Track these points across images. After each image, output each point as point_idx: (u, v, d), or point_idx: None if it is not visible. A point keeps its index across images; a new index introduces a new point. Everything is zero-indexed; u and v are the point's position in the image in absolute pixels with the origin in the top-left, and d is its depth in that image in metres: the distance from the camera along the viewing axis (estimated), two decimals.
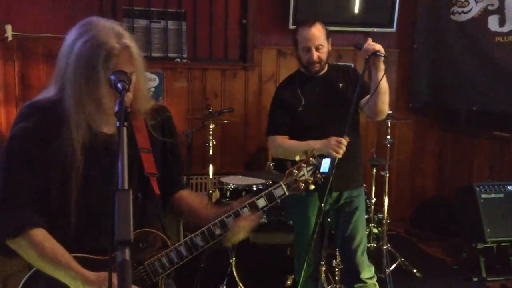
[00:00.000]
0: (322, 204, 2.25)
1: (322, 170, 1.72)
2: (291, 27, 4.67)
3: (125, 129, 1.16)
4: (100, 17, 1.54)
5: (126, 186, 1.06)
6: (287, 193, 1.68)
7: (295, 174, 1.70)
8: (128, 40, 1.48)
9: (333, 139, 2.41)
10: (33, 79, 4.41)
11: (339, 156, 2.38)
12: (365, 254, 2.80)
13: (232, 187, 3.70)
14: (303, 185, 1.70)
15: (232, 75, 4.92)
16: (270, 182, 3.70)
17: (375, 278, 2.83)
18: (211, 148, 4.00)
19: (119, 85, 1.30)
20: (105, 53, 1.42)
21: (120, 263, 0.91)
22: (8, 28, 4.24)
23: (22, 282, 1.54)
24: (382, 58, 2.42)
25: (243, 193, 3.70)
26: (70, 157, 1.49)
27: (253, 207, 1.65)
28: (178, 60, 4.82)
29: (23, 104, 1.58)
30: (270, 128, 2.82)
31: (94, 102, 1.46)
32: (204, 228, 1.60)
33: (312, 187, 1.71)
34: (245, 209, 1.64)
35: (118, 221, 0.97)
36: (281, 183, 1.68)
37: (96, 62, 1.42)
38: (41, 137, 1.49)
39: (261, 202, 1.66)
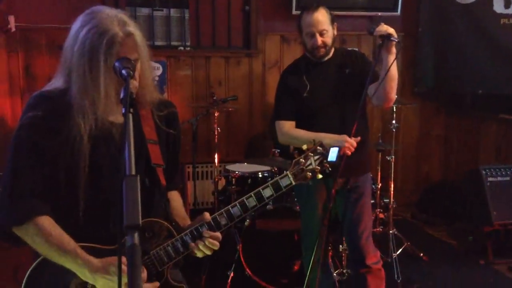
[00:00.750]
0: (333, 190, 2.24)
1: (329, 159, 1.70)
2: (295, 12, 4.63)
3: (130, 116, 1.16)
4: (104, 6, 1.55)
5: (133, 172, 1.06)
6: (293, 183, 1.67)
7: (302, 163, 1.68)
8: (132, 27, 1.48)
9: (347, 140, 2.40)
10: (37, 70, 4.42)
11: (348, 154, 2.39)
12: (370, 239, 2.80)
13: (237, 174, 3.70)
14: (310, 174, 1.68)
15: (236, 62, 4.91)
16: (276, 168, 3.70)
17: (381, 263, 2.83)
18: (216, 136, 4.00)
19: (123, 71, 1.30)
20: (107, 40, 1.43)
21: (130, 248, 0.92)
22: (12, 19, 4.23)
23: (27, 273, 1.56)
24: (394, 42, 2.39)
25: (249, 180, 3.70)
26: (78, 145, 1.49)
27: (259, 196, 1.64)
28: (182, 48, 4.81)
29: (28, 95, 1.59)
30: (276, 113, 2.81)
31: (98, 90, 1.47)
32: (211, 218, 1.61)
33: (320, 176, 1.70)
34: (251, 199, 1.64)
35: (127, 206, 0.97)
36: (288, 172, 1.67)
37: (99, 49, 1.43)
38: (49, 126, 1.50)
39: (267, 192, 1.65)
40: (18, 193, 1.49)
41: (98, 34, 1.43)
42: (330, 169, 1.73)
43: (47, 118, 1.50)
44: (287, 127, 2.71)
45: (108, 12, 1.50)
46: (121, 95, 1.21)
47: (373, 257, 2.79)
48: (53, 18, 4.32)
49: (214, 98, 4.03)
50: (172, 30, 4.80)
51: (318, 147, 1.70)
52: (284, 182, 1.66)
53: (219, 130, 4.04)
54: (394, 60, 2.42)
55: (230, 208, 1.63)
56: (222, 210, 1.63)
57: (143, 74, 1.56)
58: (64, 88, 1.53)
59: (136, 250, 0.91)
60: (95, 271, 1.47)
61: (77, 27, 1.49)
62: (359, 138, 2.45)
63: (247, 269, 3.35)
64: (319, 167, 1.69)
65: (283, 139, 2.76)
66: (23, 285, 1.55)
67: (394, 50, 2.42)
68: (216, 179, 4.02)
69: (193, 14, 4.83)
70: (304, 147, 1.72)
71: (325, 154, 1.70)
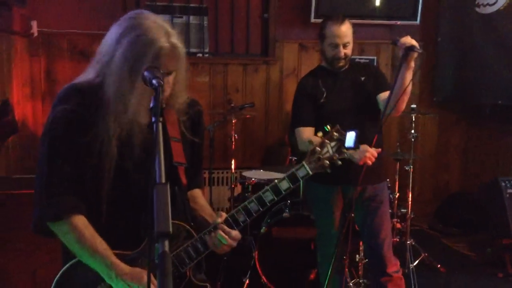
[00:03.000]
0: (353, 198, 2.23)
1: (347, 145, 1.62)
2: (313, 20, 4.65)
3: (160, 125, 1.17)
4: (148, 12, 1.53)
5: (163, 180, 1.07)
6: (310, 173, 1.61)
7: (318, 151, 1.62)
8: (176, 39, 1.48)
9: (368, 150, 2.41)
10: (59, 74, 4.48)
11: (369, 164, 2.41)
12: (391, 248, 2.80)
13: (254, 181, 3.71)
14: (328, 162, 1.62)
15: (254, 69, 4.93)
16: None
17: (401, 272, 2.82)
18: (233, 143, 4.01)
19: (154, 81, 1.29)
20: (154, 52, 1.42)
21: (161, 255, 0.93)
22: (34, 24, 4.31)
23: (56, 278, 1.56)
24: (415, 55, 2.41)
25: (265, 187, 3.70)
26: (106, 147, 1.49)
27: (276, 189, 1.61)
28: (200, 55, 4.85)
29: (49, 99, 1.60)
30: (295, 120, 2.83)
31: (133, 96, 1.46)
32: (228, 215, 1.60)
33: (339, 163, 1.63)
34: (268, 193, 1.62)
35: (158, 213, 0.99)
36: (304, 162, 1.62)
37: (144, 58, 1.41)
38: (81, 121, 1.49)
39: (284, 185, 1.61)
40: (54, 188, 1.49)
41: (145, 43, 1.42)
42: (348, 154, 1.66)
43: (79, 112, 1.50)
44: (307, 134, 2.72)
45: (154, 19, 1.48)
46: (151, 104, 1.22)
47: (394, 266, 2.78)
48: (75, 23, 4.40)
49: (232, 105, 4.04)
50: (191, 37, 4.83)
51: (334, 133, 1.63)
52: (301, 173, 1.61)
53: (236, 137, 4.05)
54: (410, 76, 2.45)
55: (247, 204, 1.61)
56: (239, 207, 1.61)
57: (178, 83, 1.56)
58: (96, 82, 1.51)
59: (166, 257, 0.93)
60: (121, 275, 1.47)
61: (121, 30, 1.47)
62: (380, 149, 2.47)
63: (263, 277, 3.34)
64: (337, 154, 1.62)
65: (303, 147, 2.76)
66: None
67: (413, 64, 2.44)
68: (233, 186, 4.03)
69: (212, 21, 4.87)
70: (320, 134, 1.66)
71: (342, 140, 1.62)
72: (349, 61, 2.79)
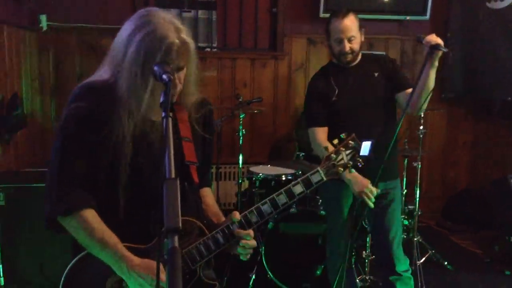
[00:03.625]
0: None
1: (362, 153, 1.65)
2: (322, 15, 4.62)
3: (170, 120, 1.18)
4: (159, 9, 1.56)
5: (173, 175, 1.08)
6: (325, 179, 1.64)
7: (333, 158, 1.65)
8: (186, 35, 1.50)
9: (368, 186, 2.43)
10: (68, 68, 4.49)
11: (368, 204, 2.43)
12: (401, 246, 2.78)
13: (261, 177, 3.71)
14: (342, 169, 1.65)
15: (262, 64, 4.91)
16: (300, 172, 3.69)
17: (410, 271, 2.80)
18: (241, 138, 4.01)
19: (164, 76, 1.31)
20: (166, 48, 1.44)
21: (170, 251, 0.93)
22: (43, 18, 4.32)
23: (66, 271, 1.58)
24: (440, 54, 2.38)
25: (272, 182, 3.70)
26: (121, 143, 1.51)
27: (290, 193, 1.63)
28: (208, 49, 4.84)
29: (57, 94, 1.62)
30: (308, 120, 2.82)
31: (146, 92, 1.48)
32: (241, 216, 1.61)
33: (353, 171, 1.67)
34: (282, 196, 1.63)
35: (167, 209, 0.99)
36: (319, 168, 1.65)
37: (155, 55, 1.44)
38: (95, 119, 1.52)
39: (298, 189, 1.63)
40: (65, 184, 1.51)
41: (155, 40, 1.45)
42: (362, 163, 1.68)
43: (93, 110, 1.52)
44: (321, 135, 2.70)
45: (164, 16, 1.51)
46: (161, 99, 1.23)
47: (403, 265, 2.76)
48: (85, 18, 4.40)
49: (240, 99, 4.04)
50: (200, 31, 4.83)
51: (350, 141, 1.66)
52: (315, 178, 1.64)
53: (244, 132, 4.04)
54: (433, 73, 2.43)
55: (261, 206, 1.62)
56: (253, 208, 1.63)
57: (188, 79, 1.58)
58: (111, 81, 1.54)
59: (176, 252, 0.93)
60: (132, 267, 1.49)
61: (133, 27, 1.49)
62: (379, 190, 2.49)
63: (269, 272, 3.35)
64: (351, 162, 1.65)
65: (316, 148, 2.75)
66: (61, 283, 1.58)
67: (437, 63, 2.42)
68: (240, 181, 4.03)
69: (220, 15, 4.86)
70: (335, 141, 1.68)
71: (357, 148, 1.65)
72: (359, 55, 2.74)
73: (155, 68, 1.37)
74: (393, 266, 2.73)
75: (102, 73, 1.58)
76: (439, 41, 2.37)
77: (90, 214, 1.52)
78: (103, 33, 4.28)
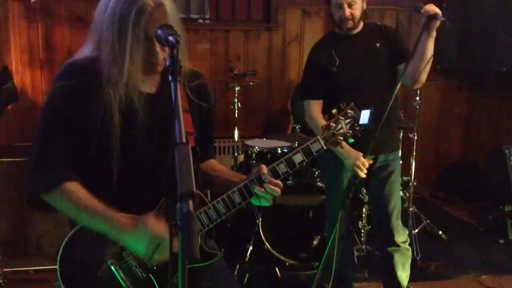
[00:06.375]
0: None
1: (361, 122, 1.64)
2: None
3: (178, 84, 1.15)
4: None
5: (184, 140, 1.05)
6: (324, 147, 1.63)
7: (332, 127, 1.64)
8: None
9: (360, 158, 2.39)
10: (57, 41, 4.40)
11: (361, 175, 2.39)
12: (400, 218, 2.78)
13: (257, 150, 3.68)
14: (341, 138, 1.64)
15: (255, 36, 4.84)
16: (296, 144, 3.67)
17: (408, 242, 2.81)
18: (236, 111, 3.97)
19: (170, 38, 1.27)
20: (137, 10, 1.41)
21: (185, 215, 0.91)
22: None
23: (62, 244, 1.56)
24: (437, 24, 2.35)
25: (268, 156, 3.68)
26: (108, 116, 1.49)
27: (290, 162, 1.62)
28: (201, 21, 4.75)
29: (47, 67, 1.59)
30: (303, 92, 2.77)
31: (125, 59, 1.45)
32: (241, 184, 1.58)
33: (351, 140, 1.66)
34: (282, 165, 1.61)
35: (180, 173, 0.96)
36: (318, 137, 1.64)
37: (128, 18, 1.41)
38: (81, 96, 1.50)
39: (298, 158, 1.62)
40: (46, 162, 1.50)
41: (128, 3, 1.42)
42: (362, 132, 1.67)
43: (79, 88, 1.50)
44: (314, 109, 2.67)
45: None
46: (167, 63, 1.19)
47: (402, 236, 2.77)
48: None
49: (235, 72, 3.98)
50: (192, 2, 4.73)
51: (349, 110, 1.65)
52: (315, 147, 1.63)
53: (239, 105, 4.00)
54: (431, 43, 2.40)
55: (261, 175, 1.57)
56: (253, 177, 1.56)
57: None
58: (94, 56, 1.52)
59: (192, 216, 0.90)
60: (125, 225, 1.46)
61: None
62: (371, 161, 2.45)
63: (266, 243, 3.36)
64: (350, 131, 1.64)
65: (310, 121, 2.72)
66: (58, 256, 1.56)
67: (435, 33, 2.39)
68: (236, 154, 4.00)
69: None
70: (334, 111, 1.66)
71: (356, 117, 1.64)
72: (360, 23, 2.68)
73: (158, 32, 1.33)
74: (392, 237, 2.73)
75: (86, 48, 1.56)
76: (438, 10, 2.34)
77: (73, 185, 1.50)
78: (92, 5, 4.13)
